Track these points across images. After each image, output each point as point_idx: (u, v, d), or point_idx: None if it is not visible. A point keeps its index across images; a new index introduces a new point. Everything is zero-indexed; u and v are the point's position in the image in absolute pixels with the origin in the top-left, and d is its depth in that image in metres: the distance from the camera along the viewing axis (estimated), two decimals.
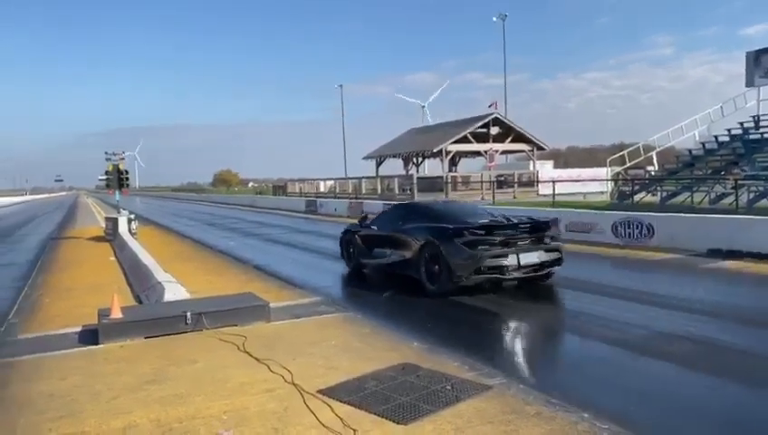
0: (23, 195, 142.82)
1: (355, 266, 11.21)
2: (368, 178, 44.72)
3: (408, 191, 35.65)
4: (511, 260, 7.27)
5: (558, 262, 7.88)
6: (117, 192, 21.08)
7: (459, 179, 39.63)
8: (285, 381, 5.72)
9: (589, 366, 5.97)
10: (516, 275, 7.41)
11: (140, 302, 9.68)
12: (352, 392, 5.29)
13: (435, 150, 41.07)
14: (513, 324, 7.72)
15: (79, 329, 7.87)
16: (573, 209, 18.12)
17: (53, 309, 9.46)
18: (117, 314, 7.57)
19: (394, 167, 49.76)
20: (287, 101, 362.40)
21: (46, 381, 5.98)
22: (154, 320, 7.59)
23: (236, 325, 7.88)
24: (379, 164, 48.91)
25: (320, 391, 5.40)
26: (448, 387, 5.27)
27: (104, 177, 20.72)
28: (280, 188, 56.00)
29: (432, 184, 36.50)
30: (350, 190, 44.43)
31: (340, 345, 6.97)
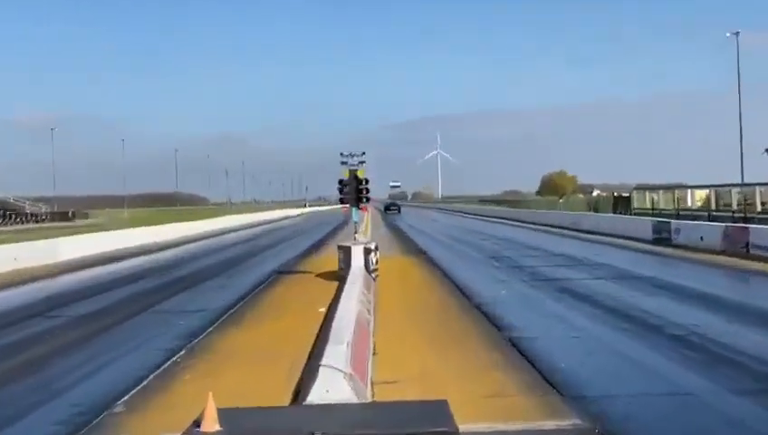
0: (303, 206, 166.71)
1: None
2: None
3: None
4: (393, 206, 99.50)
5: (398, 208, 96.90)
6: (354, 210, 21.76)
7: None
8: None
9: None
10: (391, 208, 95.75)
11: (297, 392, 9.04)
12: None
13: None
14: None
15: None
16: None
17: (180, 395, 9.40)
18: (211, 426, 6.81)
19: None
20: (647, 66, 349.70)
21: None
22: None
23: None
24: None
25: None
26: None
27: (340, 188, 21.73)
28: (621, 201, 53.35)
29: None
30: (733, 205, 39.59)
31: None
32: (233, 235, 53.18)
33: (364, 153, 21.53)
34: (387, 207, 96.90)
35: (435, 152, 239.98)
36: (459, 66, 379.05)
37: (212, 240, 46.94)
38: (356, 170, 21.36)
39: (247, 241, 45.24)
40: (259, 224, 72.85)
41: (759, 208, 36.76)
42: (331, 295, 17.05)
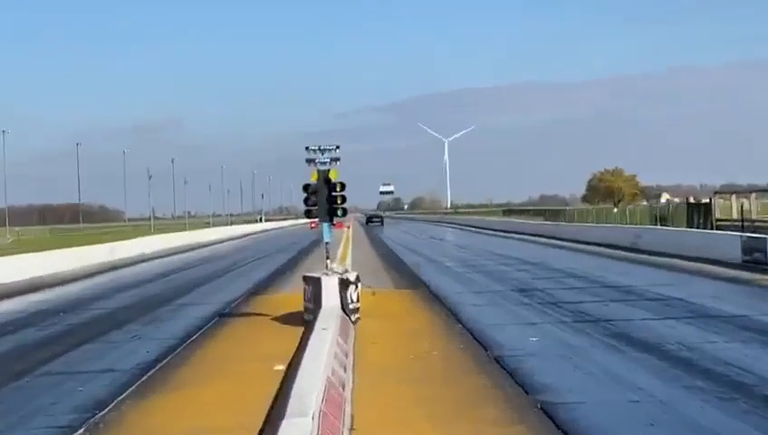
0: (257, 221, 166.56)
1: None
2: None
3: None
4: (376, 217, 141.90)
5: (381, 220, 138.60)
6: (325, 226, 21.75)
7: None
8: None
9: None
10: (374, 220, 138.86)
11: None
12: None
13: None
14: None
15: None
16: None
17: None
18: None
19: None
20: (736, 25, 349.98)
21: None
22: None
23: None
24: None
25: None
26: None
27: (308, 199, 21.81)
28: (698, 209, 53.50)
29: None
30: None
31: None
32: (156, 263, 53.27)
33: (338, 147, 21.59)
34: (369, 219, 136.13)
35: (442, 138, 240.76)
36: (478, 26, 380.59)
37: (127, 271, 47.02)
38: (327, 171, 21.36)
39: (177, 272, 45.33)
40: (194, 247, 72.83)
41: None
42: (293, 347, 17.12)
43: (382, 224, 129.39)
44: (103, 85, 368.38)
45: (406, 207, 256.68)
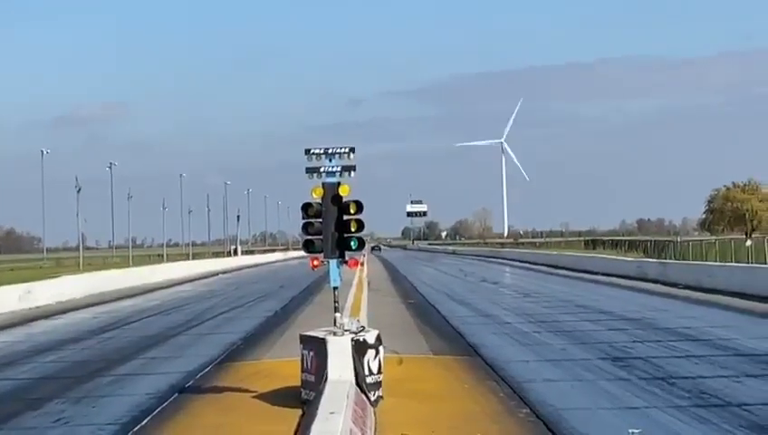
0: (227, 254, 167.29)
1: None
2: None
3: None
4: (376, 247, 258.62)
5: (379, 249, 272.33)
6: (333, 265, 21.62)
7: None
8: None
9: None
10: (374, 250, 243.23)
11: None
12: None
13: None
14: None
15: None
16: None
17: None
18: None
19: None
20: None
21: None
22: None
23: None
24: None
25: None
26: None
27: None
28: None
29: None
30: None
31: None
32: (87, 313, 53.73)
33: (352, 150, 21.43)
34: (372, 249, 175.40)
35: (495, 141, 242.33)
36: None
37: (46, 324, 47.39)
38: (337, 185, 21.25)
39: (117, 326, 45.58)
40: (140, 292, 72.96)
41: None
42: None
43: (380, 251, 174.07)
44: (13, 60, 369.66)
45: (444, 234, 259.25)
